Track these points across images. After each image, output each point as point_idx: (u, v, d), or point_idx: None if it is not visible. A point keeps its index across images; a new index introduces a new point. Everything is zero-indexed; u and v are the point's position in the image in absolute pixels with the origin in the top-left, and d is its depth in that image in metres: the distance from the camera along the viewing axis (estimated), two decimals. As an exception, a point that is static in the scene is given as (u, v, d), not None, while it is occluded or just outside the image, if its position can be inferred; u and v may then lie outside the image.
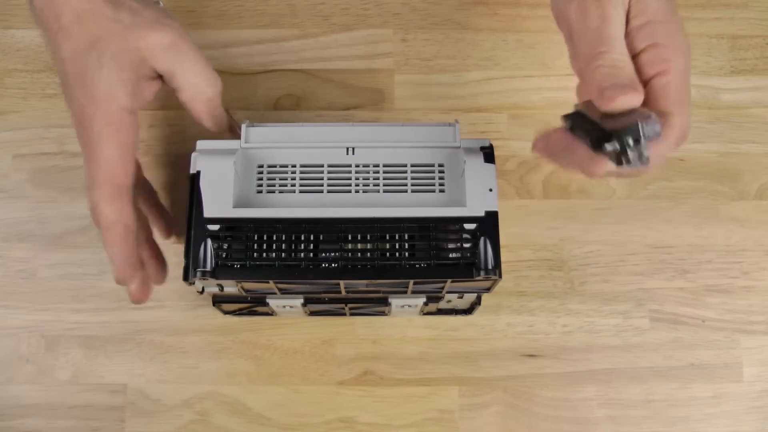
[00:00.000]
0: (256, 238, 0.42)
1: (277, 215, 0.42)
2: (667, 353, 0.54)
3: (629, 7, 0.41)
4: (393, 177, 0.44)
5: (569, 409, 0.54)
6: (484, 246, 0.41)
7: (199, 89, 0.45)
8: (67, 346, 0.54)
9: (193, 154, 0.44)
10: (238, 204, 0.43)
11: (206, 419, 0.53)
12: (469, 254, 0.41)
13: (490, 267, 0.41)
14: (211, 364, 0.54)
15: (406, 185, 0.44)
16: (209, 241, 0.42)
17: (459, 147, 0.44)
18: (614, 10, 0.40)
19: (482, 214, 0.42)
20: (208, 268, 0.41)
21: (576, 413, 0.54)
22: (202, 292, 0.45)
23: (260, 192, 0.44)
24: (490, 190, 0.42)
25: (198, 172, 0.43)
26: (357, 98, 0.58)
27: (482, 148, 0.44)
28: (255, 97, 0.58)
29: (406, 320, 0.55)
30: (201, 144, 0.45)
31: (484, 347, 0.55)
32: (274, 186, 0.44)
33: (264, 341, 0.54)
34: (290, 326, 0.55)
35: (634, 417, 0.54)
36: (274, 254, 0.42)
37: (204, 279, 0.42)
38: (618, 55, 0.40)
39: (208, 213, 0.42)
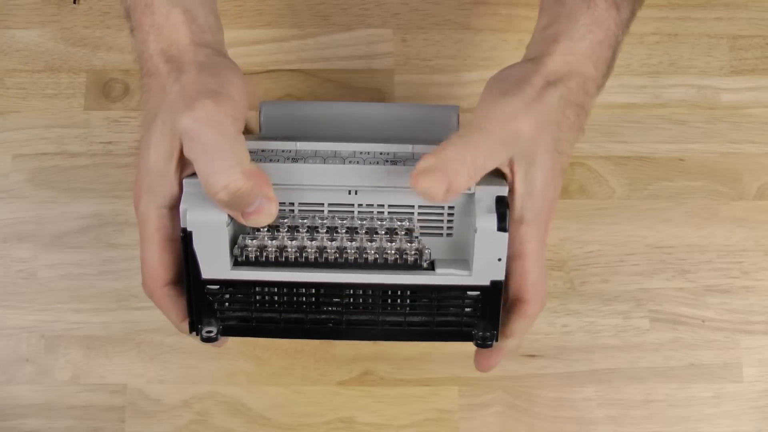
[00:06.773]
0: (257, 298, 0.41)
1: (277, 278, 0.40)
2: (667, 353, 0.54)
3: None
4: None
5: (569, 409, 0.54)
6: (485, 314, 0.41)
7: (207, 183, 0.37)
8: (67, 346, 0.54)
9: (182, 207, 0.39)
10: (237, 254, 0.41)
11: (206, 419, 0.53)
12: (469, 318, 0.41)
13: (488, 335, 0.41)
14: (211, 364, 0.54)
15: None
16: (209, 300, 0.41)
17: (473, 193, 0.41)
18: None
19: (487, 283, 0.40)
20: (213, 331, 0.41)
21: (576, 413, 0.54)
22: None
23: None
24: (499, 259, 0.40)
25: (190, 233, 0.39)
26: (357, 98, 0.58)
27: (498, 201, 0.40)
28: (255, 97, 0.58)
29: (406, 320, 0.55)
30: (188, 185, 0.40)
31: (484, 347, 0.55)
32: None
33: (264, 341, 0.54)
34: (290, 326, 0.55)
35: (634, 417, 0.54)
36: (275, 314, 0.41)
37: (210, 340, 0.42)
38: None
39: (206, 274, 0.40)
